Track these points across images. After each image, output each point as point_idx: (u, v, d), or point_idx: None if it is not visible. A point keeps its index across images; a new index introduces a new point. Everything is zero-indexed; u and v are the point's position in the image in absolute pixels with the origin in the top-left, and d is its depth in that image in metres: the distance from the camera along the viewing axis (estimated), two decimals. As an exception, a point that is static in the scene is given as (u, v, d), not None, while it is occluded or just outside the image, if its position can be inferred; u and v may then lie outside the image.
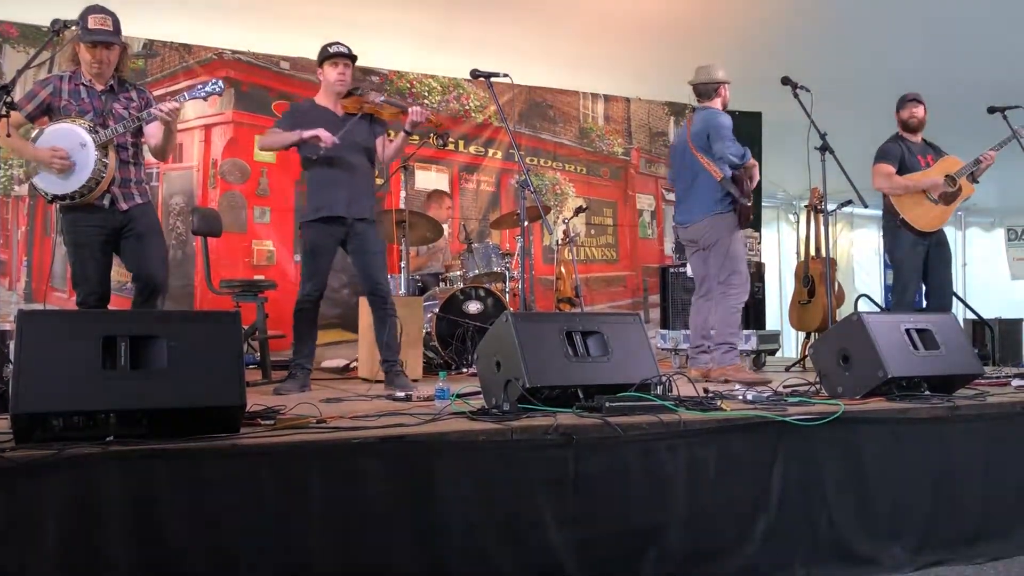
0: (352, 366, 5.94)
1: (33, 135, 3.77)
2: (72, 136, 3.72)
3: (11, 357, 2.34)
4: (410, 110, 4.33)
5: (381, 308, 4.42)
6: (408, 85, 7.17)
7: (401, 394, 3.75)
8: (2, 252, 6.15)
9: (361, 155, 4.42)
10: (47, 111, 3.81)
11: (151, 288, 3.92)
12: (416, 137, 4.46)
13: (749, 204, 5.01)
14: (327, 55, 4.38)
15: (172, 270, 4.27)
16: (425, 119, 4.34)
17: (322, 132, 4.16)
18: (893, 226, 5.42)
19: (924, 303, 5.58)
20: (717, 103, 5.18)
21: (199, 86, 3.92)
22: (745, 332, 5.97)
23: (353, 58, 4.41)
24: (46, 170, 3.71)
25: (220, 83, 3.92)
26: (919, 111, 5.45)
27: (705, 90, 5.20)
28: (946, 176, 5.29)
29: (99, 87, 3.85)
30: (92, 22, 3.71)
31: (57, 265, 5.79)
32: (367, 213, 4.41)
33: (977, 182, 5.33)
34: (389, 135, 4.63)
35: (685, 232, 5.26)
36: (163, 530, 2.17)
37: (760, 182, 8.60)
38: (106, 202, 3.82)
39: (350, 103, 4.44)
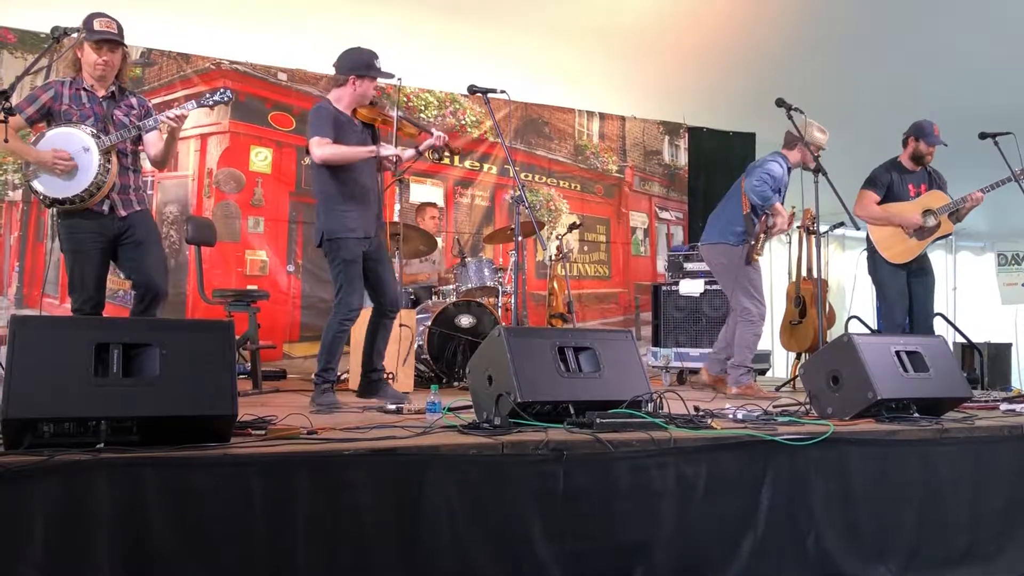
0: (343, 378, 5.93)
1: (33, 139, 3.77)
2: (74, 140, 3.72)
3: (2, 362, 2.33)
4: (435, 134, 4.31)
5: (390, 318, 4.46)
6: (405, 99, 7.20)
7: (392, 407, 3.75)
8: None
9: (377, 168, 4.43)
10: (47, 116, 3.81)
11: (151, 296, 3.90)
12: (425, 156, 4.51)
13: (754, 244, 5.11)
14: (370, 70, 4.23)
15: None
16: (443, 143, 4.32)
17: (398, 150, 4.22)
18: (873, 250, 5.44)
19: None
20: (791, 155, 5.26)
21: (207, 94, 3.94)
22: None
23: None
24: (47, 173, 3.70)
25: (228, 92, 3.94)
26: (934, 151, 5.38)
27: (788, 138, 5.28)
28: (926, 211, 5.29)
29: (100, 93, 3.86)
30: (98, 24, 3.74)
31: (49, 271, 5.78)
32: (382, 225, 4.46)
33: (959, 219, 5.32)
34: None
35: (702, 250, 5.46)
36: (151, 538, 2.16)
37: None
38: (105, 208, 3.82)
39: (367, 112, 4.34)
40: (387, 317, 4.44)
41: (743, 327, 5.14)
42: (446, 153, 4.40)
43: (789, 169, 5.27)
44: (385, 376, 4.52)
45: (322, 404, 3.98)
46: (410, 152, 4.38)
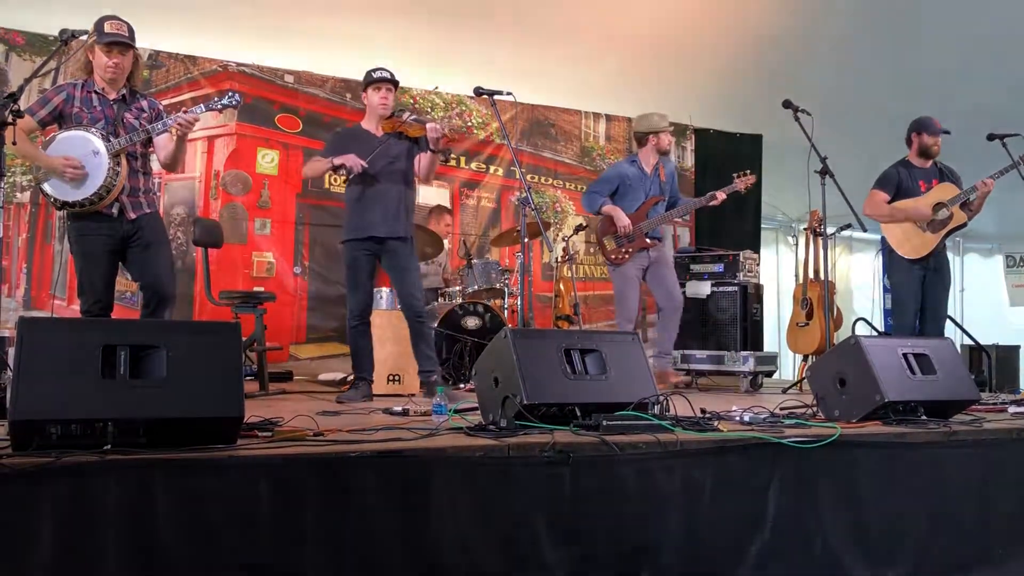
0: (349, 379, 5.94)
1: (44, 142, 3.78)
2: (84, 144, 3.73)
3: (10, 363, 2.33)
4: (427, 127, 4.45)
5: (416, 322, 4.59)
6: (411, 101, 7.20)
7: (398, 408, 3.76)
8: (2, 259, 6.15)
9: (396, 174, 4.60)
10: (59, 118, 3.83)
11: (159, 298, 3.91)
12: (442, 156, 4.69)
13: (602, 248, 5.62)
14: (370, 80, 4.59)
15: (171, 280, 4.27)
16: (440, 134, 4.44)
17: (349, 159, 4.38)
18: (889, 249, 5.43)
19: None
20: (642, 152, 5.71)
21: (215, 98, 3.95)
22: (742, 353, 6.04)
23: (395, 83, 4.61)
24: (57, 177, 3.72)
25: (237, 95, 3.96)
26: (940, 141, 5.40)
27: (638, 137, 5.80)
28: (937, 204, 5.27)
29: (111, 96, 3.87)
30: (109, 27, 3.76)
31: (56, 273, 5.80)
32: (401, 232, 4.58)
33: (973, 211, 5.29)
34: None
35: None
36: (158, 540, 2.16)
37: (759, 204, 8.65)
38: (115, 211, 3.83)
39: (387, 124, 4.61)
40: (413, 321, 4.60)
41: None
42: (451, 155, 4.63)
43: (635, 162, 5.67)
44: (434, 378, 4.63)
45: (341, 398, 4.41)
46: (429, 155, 4.57)
